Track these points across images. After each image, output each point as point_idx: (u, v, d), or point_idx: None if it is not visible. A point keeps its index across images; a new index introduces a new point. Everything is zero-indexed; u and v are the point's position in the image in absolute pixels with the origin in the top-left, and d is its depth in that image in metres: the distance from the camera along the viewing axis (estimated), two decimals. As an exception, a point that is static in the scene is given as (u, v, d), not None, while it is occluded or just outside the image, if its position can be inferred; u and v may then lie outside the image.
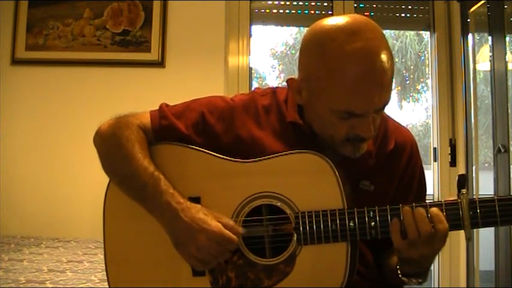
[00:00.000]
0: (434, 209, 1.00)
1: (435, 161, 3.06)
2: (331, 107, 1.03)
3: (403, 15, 3.19)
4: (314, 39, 1.05)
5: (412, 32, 5.90)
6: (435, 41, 3.10)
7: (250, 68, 3.07)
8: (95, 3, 2.89)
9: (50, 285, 1.58)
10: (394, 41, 6.00)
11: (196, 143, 1.14)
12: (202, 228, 1.03)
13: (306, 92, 1.09)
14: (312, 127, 1.12)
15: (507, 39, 2.54)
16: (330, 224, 1.03)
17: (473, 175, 2.79)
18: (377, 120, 1.07)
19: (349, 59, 0.99)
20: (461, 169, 2.88)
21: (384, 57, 0.99)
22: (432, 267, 2.18)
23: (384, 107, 1.06)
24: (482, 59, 2.90)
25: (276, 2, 3.18)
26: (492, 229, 2.49)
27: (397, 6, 3.16)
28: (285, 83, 1.16)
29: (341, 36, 1.00)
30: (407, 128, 1.28)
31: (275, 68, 6.20)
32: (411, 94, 6.47)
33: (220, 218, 1.05)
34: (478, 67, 2.94)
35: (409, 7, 3.16)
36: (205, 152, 1.12)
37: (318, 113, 1.08)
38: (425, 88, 6.08)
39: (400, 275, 1.08)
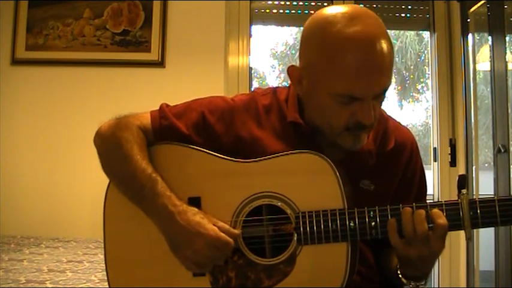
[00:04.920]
0: (433, 209, 1.00)
1: (435, 161, 3.06)
2: (331, 91, 1.04)
3: (403, 15, 3.19)
4: (314, 26, 1.07)
5: (412, 32, 5.90)
6: (435, 41, 3.10)
7: (250, 68, 3.07)
8: (95, 3, 2.89)
9: (50, 285, 1.58)
10: (394, 41, 6.00)
11: (197, 143, 1.14)
12: (198, 232, 1.02)
13: (306, 80, 1.09)
14: (312, 124, 1.12)
15: (507, 39, 2.54)
16: (330, 224, 1.03)
17: (473, 175, 2.79)
18: (377, 109, 1.07)
19: (349, 43, 1.00)
20: (461, 169, 2.88)
21: (383, 41, 1.00)
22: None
23: (383, 93, 1.06)
24: (482, 59, 2.90)
25: (276, 2, 3.18)
26: (492, 229, 2.50)
27: (397, 6, 3.16)
28: (284, 83, 1.16)
29: (341, 21, 1.01)
30: (407, 128, 1.28)
31: (275, 68, 6.20)
32: (411, 94, 6.48)
33: (217, 221, 1.05)
34: (478, 67, 2.94)
35: (409, 7, 3.16)
36: (205, 152, 1.12)
37: (318, 101, 1.08)
38: (425, 88, 6.08)
39: (400, 275, 1.08)
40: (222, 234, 1.03)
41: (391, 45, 1.03)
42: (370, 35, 1.00)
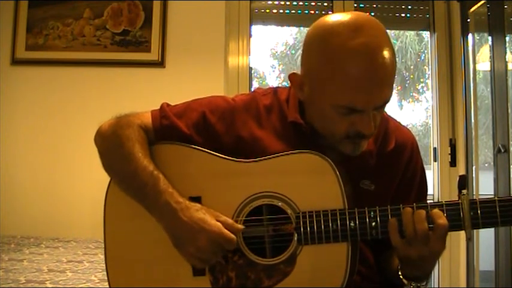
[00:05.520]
0: (433, 209, 1.00)
1: (435, 161, 3.06)
2: (332, 102, 1.04)
3: (403, 15, 3.19)
4: (317, 34, 1.06)
5: (412, 32, 5.91)
6: (435, 41, 3.10)
7: (250, 68, 3.07)
8: (95, 3, 2.89)
9: (50, 285, 1.58)
10: (394, 41, 6.00)
11: (197, 142, 1.14)
12: (201, 227, 1.02)
13: (307, 87, 1.09)
14: (313, 126, 1.12)
15: (507, 39, 2.55)
16: (330, 224, 1.03)
17: (473, 175, 2.79)
18: (377, 118, 1.07)
19: (351, 55, 0.99)
20: (461, 169, 2.89)
21: (386, 54, 0.99)
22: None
23: (384, 104, 1.06)
24: (482, 59, 2.90)
25: (276, 2, 3.18)
26: (492, 229, 2.49)
27: (397, 6, 3.16)
28: (285, 83, 1.16)
29: (344, 32, 1.00)
30: (408, 128, 1.28)
31: (275, 68, 6.21)
32: (411, 94, 6.48)
33: (219, 216, 1.05)
34: (478, 67, 2.94)
35: (409, 7, 3.16)
36: (206, 152, 1.12)
37: (319, 109, 1.08)
38: (425, 88, 6.08)
39: (400, 276, 1.08)
40: (225, 230, 1.03)
41: (393, 56, 1.02)
42: (372, 48, 0.99)
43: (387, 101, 1.05)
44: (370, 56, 0.99)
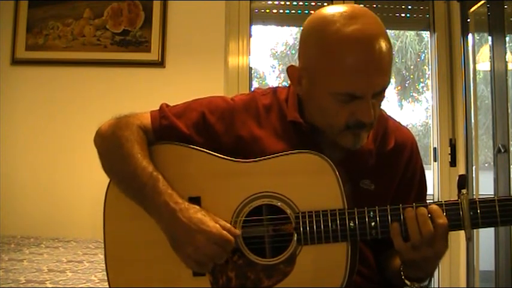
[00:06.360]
0: (432, 206, 1.00)
1: (435, 161, 3.06)
2: (331, 90, 1.04)
3: (403, 15, 3.19)
4: (313, 25, 1.07)
5: (412, 32, 5.90)
6: (435, 41, 3.10)
7: (250, 68, 3.07)
8: (95, 3, 2.89)
9: (50, 285, 1.58)
10: (394, 41, 6.00)
11: (197, 142, 1.14)
12: (200, 228, 1.02)
13: (306, 80, 1.09)
14: (313, 124, 1.13)
15: (507, 39, 2.55)
16: (330, 224, 1.03)
17: (473, 175, 2.79)
18: (376, 107, 1.07)
19: (348, 41, 1.00)
20: (461, 169, 2.88)
21: (382, 40, 1.01)
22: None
23: (383, 91, 1.06)
24: (482, 59, 2.90)
25: (276, 2, 3.18)
26: (492, 229, 2.49)
27: (397, 6, 3.16)
28: (284, 83, 1.16)
29: (340, 20, 1.01)
30: (407, 128, 1.28)
31: (275, 68, 6.20)
32: (411, 94, 6.48)
33: (218, 220, 1.05)
34: (478, 67, 2.94)
35: (409, 7, 3.16)
36: (205, 152, 1.12)
37: (318, 100, 1.08)
38: (425, 88, 6.08)
39: (403, 278, 1.08)
40: (224, 232, 1.03)
41: (390, 44, 1.03)
42: (369, 34, 1.00)
43: (385, 87, 1.06)
44: (366, 41, 1.00)
